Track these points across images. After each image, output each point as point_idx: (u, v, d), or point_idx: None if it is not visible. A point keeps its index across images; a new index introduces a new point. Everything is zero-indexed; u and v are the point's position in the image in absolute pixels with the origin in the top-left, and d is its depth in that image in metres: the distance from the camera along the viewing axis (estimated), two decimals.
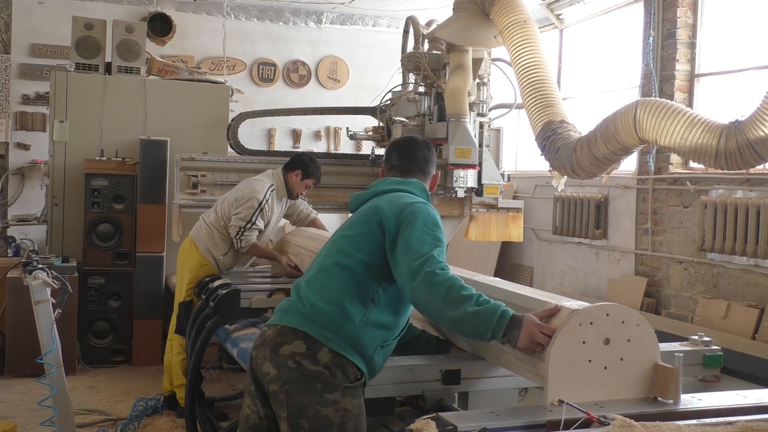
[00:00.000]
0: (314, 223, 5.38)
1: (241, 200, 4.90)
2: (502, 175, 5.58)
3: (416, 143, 2.89)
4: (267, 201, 4.92)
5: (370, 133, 6.37)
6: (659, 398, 2.17)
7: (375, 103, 6.32)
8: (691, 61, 6.55)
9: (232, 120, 6.82)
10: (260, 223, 4.91)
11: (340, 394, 2.37)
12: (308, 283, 2.57)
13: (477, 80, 5.42)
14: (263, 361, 2.45)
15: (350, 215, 2.77)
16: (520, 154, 9.01)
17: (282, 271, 4.92)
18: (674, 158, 6.49)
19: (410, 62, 5.80)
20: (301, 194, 5.15)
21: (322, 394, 2.35)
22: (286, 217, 5.38)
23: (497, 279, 3.01)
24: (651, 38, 6.70)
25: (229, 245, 5.02)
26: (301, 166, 5.04)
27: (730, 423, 1.99)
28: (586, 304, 2.28)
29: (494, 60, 5.57)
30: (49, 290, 3.92)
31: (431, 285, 2.33)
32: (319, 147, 9.38)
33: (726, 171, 4.06)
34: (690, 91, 6.55)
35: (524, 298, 2.50)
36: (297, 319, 2.46)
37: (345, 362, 2.40)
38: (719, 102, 6.30)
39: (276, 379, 2.40)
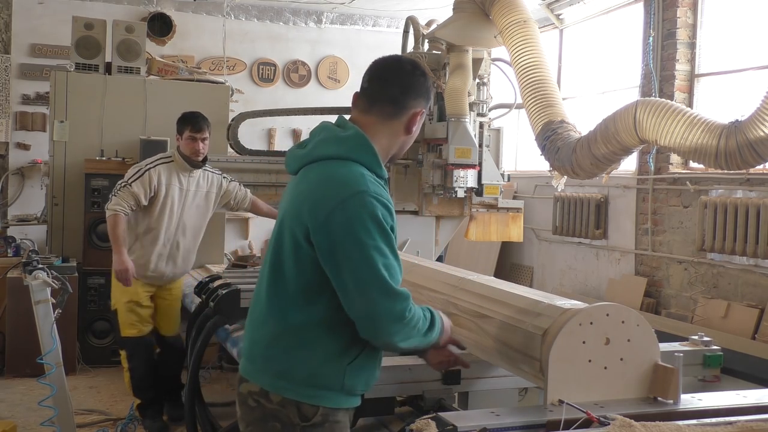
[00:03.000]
0: (255, 205, 5.15)
1: None
2: (502, 175, 5.58)
3: (399, 64, 2.23)
4: (152, 168, 4.59)
5: None
6: (659, 398, 2.17)
7: None
8: (691, 61, 6.55)
9: (232, 120, 6.81)
10: (138, 189, 4.50)
11: None
12: (249, 320, 2.23)
13: (477, 80, 5.42)
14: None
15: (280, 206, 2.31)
16: (520, 154, 9.01)
17: None
18: (674, 158, 6.49)
19: None
20: (199, 153, 4.70)
21: None
22: (226, 207, 5.13)
23: (493, 278, 3.00)
24: (651, 38, 6.70)
25: (133, 238, 4.66)
26: (176, 126, 4.77)
27: (730, 423, 2.00)
28: (583, 304, 2.28)
29: (494, 60, 5.57)
30: (49, 290, 3.91)
31: (389, 342, 2.06)
32: None
33: (726, 171, 4.06)
34: (690, 91, 6.55)
35: (519, 298, 2.49)
36: (245, 366, 2.21)
37: (298, 403, 2.09)
38: (719, 102, 6.30)
39: (241, 419, 2.21)
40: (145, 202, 4.55)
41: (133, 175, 4.55)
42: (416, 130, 2.23)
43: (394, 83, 2.18)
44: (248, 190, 5.16)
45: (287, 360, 2.10)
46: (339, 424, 2.14)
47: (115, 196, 4.49)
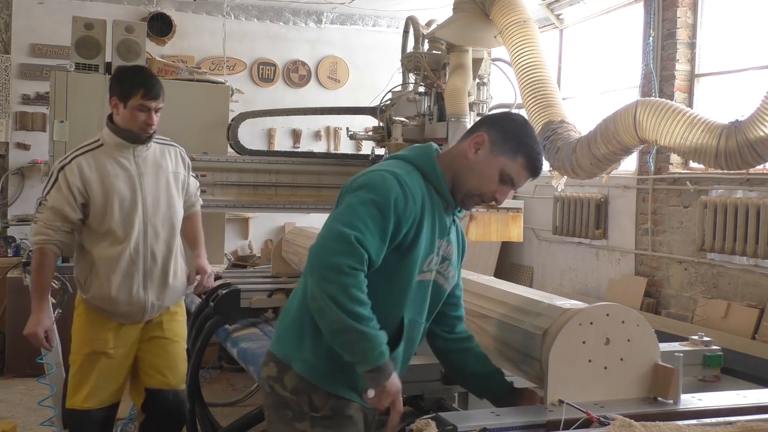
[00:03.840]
0: (192, 219, 3.64)
1: None
2: None
3: (495, 114, 2.37)
4: (67, 164, 3.15)
5: (370, 133, 6.37)
6: (659, 398, 2.17)
7: (375, 103, 6.32)
8: (691, 61, 6.54)
9: (232, 120, 6.82)
10: (58, 202, 3.12)
11: (308, 424, 2.12)
12: (292, 293, 2.30)
13: (477, 80, 5.41)
14: None
15: None
16: None
17: None
18: (674, 158, 6.49)
19: (410, 62, 5.80)
20: (150, 128, 3.25)
21: (292, 423, 2.14)
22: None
23: (493, 278, 3.00)
24: (651, 38, 6.70)
25: (86, 268, 3.26)
26: (113, 89, 3.23)
27: (730, 423, 2.00)
28: (583, 304, 2.28)
29: (494, 60, 5.57)
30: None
31: (317, 281, 1.95)
32: (319, 147, 9.38)
33: (726, 171, 4.06)
34: (690, 91, 6.54)
35: (519, 298, 2.49)
36: (273, 339, 2.30)
37: (309, 388, 2.13)
38: (719, 102, 6.30)
39: (264, 403, 2.27)
40: (78, 215, 3.16)
41: (47, 184, 3.20)
42: (476, 159, 2.12)
43: (481, 119, 2.26)
44: (200, 200, 3.77)
45: (302, 334, 2.14)
46: (350, 419, 2.15)
47: (36, 222, 3.16)
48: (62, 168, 3.15)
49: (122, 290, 3.21)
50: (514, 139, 2.14)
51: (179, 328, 3.50)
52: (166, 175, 3.36)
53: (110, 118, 3.25)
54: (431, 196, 2.11)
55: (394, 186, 2.01)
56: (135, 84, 3.17)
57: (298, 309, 2.17)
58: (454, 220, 2.24)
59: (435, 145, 2.20)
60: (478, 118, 5.40)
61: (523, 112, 4.99)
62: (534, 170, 2.18)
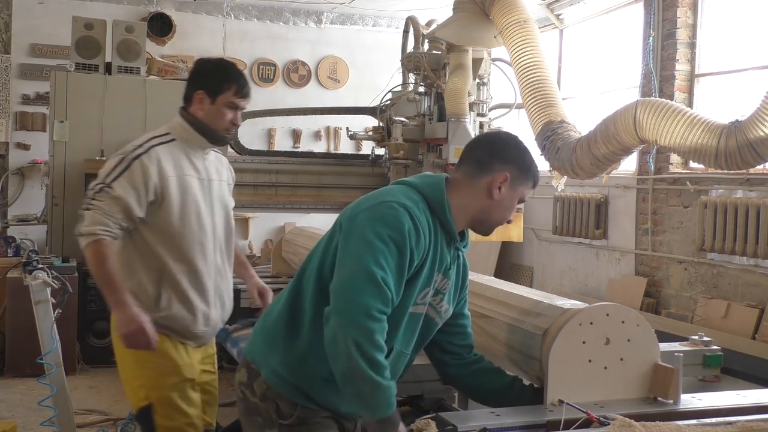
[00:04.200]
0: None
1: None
2: None
3: (496, 133, 2.32)
4: (144, 153, 2.79)
5: (370, 133, 6.38)
6: (659, 398, 2.17)
7: (375, 103, 6.32)
8: (691, 61, 6.54)
9: None
10: (125, 192, 2.70)
11: (277, 431, 2.12)
12: (274, 300, 2.29)
13: (477, 80, 5.42)
14: None
15: None
16: None
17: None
18: (674, 158, 6.49)
19: (410, 62, 5.80)
20: (234, 127, 2.95)
21: (263, 429, 2.13)
22: None
23: (493, 279, 3.00)
24: (651, 38, 6.70)
25: (158, 276, 2.79)
26: (199, 81, 2.89)
27: (730, 423, 2.00)
28: (583, 304, 2.28)
29: (494, 60, 5.57)
30: (49, 290, 3.91)
31: (347, 328, 1.91)
32: (319, 147, 9.39)
33: (726, 171, 4.07)
34: (690, 91, 6.54)
35: (520, 298, 2.49)
36: (246, 344, 2.29)
37: (276, 395, 2.11)
38: (719, 102, 6.30)
39: (237, 408, 2.26)
40: (141, 213, 2.74)
41: (114, 168, 2.76)
42: (501, 197, 2.13)
43: (483, 146, 2.21)
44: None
45: (274, 342, 2.13)
46: (320, 424, 2.13)
47: (90, 209, 2.70)
48: (138, 156, 2.78)
49: (200, 307, 2.85)
50: (527, 167, 2.18)
51: (214, 357, 3.14)
52: (222, 185, 3.04)
53: (186, 110, 2.92)
54: (436, 230, 2.08)
55: (406, 219, 1.98)
56: (227, 79, 2.86)
57: (277, 316, 2.16)
58: (458, 255, 2.21)
59: (445, 176, 2.17)
60: (478, 119, 5.44)
61: (523, 112, 5.00)
62: (537, 184, 2.25)
